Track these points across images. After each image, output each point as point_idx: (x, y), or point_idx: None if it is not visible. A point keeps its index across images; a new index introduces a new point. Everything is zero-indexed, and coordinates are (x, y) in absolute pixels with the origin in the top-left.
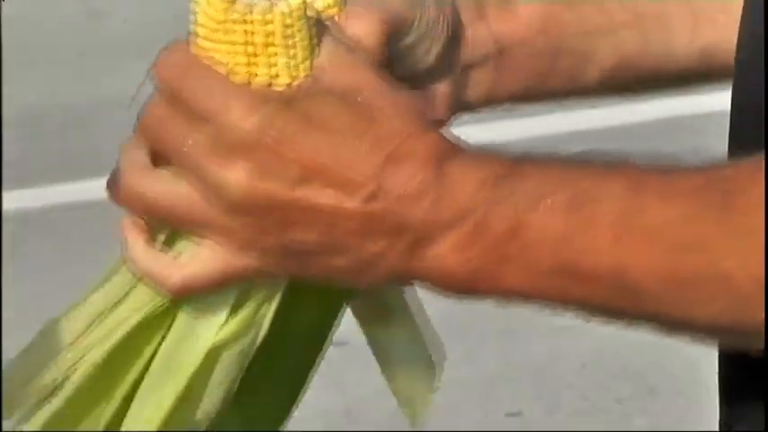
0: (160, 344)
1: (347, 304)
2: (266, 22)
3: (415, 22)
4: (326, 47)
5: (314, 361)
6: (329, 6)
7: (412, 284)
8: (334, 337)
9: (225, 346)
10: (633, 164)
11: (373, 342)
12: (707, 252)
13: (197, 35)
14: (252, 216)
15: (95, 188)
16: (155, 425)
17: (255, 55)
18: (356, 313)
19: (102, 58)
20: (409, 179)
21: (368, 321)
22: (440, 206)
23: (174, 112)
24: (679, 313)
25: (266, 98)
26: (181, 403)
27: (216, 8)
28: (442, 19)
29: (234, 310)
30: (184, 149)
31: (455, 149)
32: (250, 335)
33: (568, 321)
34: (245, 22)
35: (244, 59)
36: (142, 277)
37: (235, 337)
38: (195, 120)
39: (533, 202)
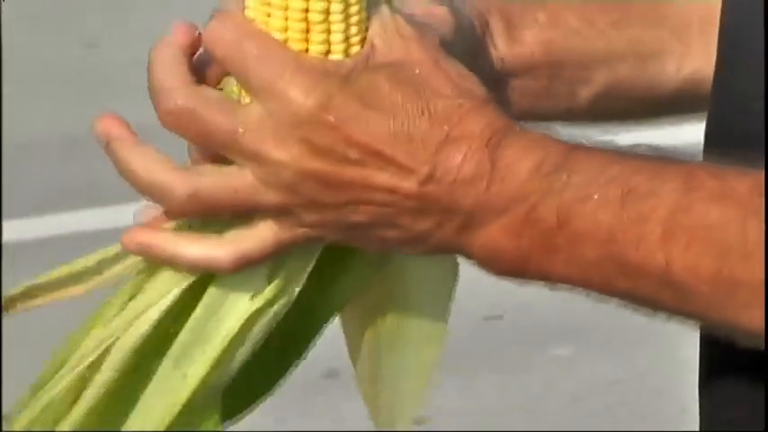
0: (187, 319)
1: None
2: None
3: (455, 27)
4: (384, 19)
5: (318, 328)
6: None
7: (466, 256)
8: (327, 368)
9: (261, 312)
10: (687, 162)
11: (365, 342)
12: (753, 258)
13: (253, 5)
14: (309, 195)
15: (95, 218)
16: (184, 395)
17: (311, 27)
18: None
19: (100, 88)
20: (464, 162)
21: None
22: (492, 191)
23: (215, 97)
24: (721, 315)
25: (326, 72)
26: (212, 370)
27: None
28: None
29: (270, 277)
30: (239, 131)
31: (511, 129)
32: (283, 300)
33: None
34: None
35: (300, 30)
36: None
37: (270, 304)
38: (250, 94)
39: (585, 194)
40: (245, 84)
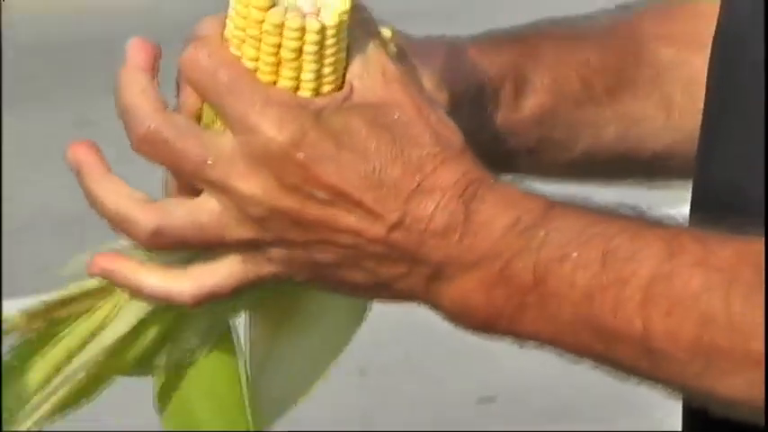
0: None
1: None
2: (298, 34)
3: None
4: (368, 57)
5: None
6: (343, 13)
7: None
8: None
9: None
10: (669, 225)
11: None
12: (734, 329)
13: (229, 30)
14: (277, 231)
15: None
16: None
17: (282, 62)
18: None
19: None
20: (436, 213)
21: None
22: (465, 245)
23: (191, 122)
24: (699, 382)
25: (300, 108)
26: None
27: (254, 6)
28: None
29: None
30: (209, 162)
31: (486, 182)
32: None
33: None
34: (278, 26)
35: (271, 63)
36: (141, 297)
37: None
38: (224, 123)
39: (563, 253)
40: (220, 113)
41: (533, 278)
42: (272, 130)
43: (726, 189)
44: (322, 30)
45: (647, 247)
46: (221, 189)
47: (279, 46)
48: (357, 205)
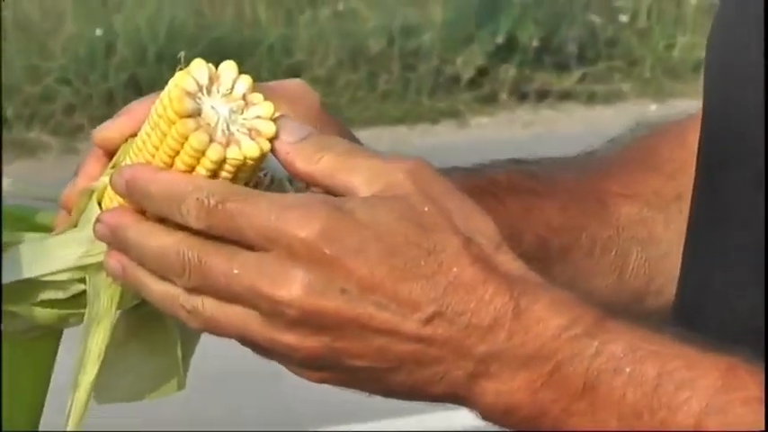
0: None
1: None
2: (198, 155)
3: None
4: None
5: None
6: (250, 158)
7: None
8: None
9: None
10: (727, 354)
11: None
12: None
13: (155, 107)
14: (310, 333)
15: None
16: None
17: (177, 168)
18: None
19: None
20: (481, 307)
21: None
22: (514, 343)
23: (212, 243)
24: None
25: (321, 203)
26: None
27: (176, 100)
28: None
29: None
30: (234, 272)
31: (534, 283)
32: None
33: None
34: (188, 129)
35: (168, 155)
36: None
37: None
38: (241, 243)
39: (617, 366)
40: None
41: (584, 386)
42: (295, 229)
43: (712, 301)
44: (236, 159)
45: (702, 376)
46: (248, 297)
47: (179, 151)
48: (391, 298)
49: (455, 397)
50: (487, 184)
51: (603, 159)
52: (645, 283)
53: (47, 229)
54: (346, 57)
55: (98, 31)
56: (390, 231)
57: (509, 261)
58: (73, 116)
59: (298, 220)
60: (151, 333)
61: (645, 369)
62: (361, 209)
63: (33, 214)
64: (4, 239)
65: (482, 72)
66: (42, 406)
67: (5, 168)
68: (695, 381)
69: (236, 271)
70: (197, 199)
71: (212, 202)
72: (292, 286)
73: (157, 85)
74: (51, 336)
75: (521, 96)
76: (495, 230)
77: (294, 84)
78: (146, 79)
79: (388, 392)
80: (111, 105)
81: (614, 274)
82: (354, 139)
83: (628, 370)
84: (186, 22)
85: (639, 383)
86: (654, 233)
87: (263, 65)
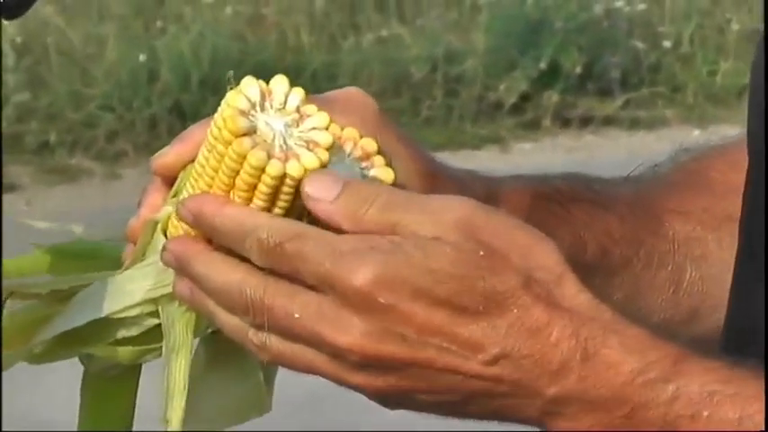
0: None
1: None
2: (261, 172)
3: None
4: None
5: None
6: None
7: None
8: None
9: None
10: None
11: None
12: None
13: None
14: (376, 375)
15: None
16: None
17: (238, 187)
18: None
19: None
20: (547, 350)
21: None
22: (587, 384)
23: (273, 283)
24: None
25: (371, 249)
26: None
27: (230, 120)
28: None
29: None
30: (296, 316)
31: (601, 321)
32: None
33: None
34: (245, 148)
35: (228, 176)
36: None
37: None
38: (302, 282)
39: (695, 410)
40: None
41: (661, 430)
42: (349, 277)
43: (760, 326)
44: (291, 175)
45: None
46: (311, 342)
47: (237, 173)
48: (452, 341)
49: (530, 425)
50: (551, 191)
51: (655, 178)
52: (699, 301)
53: (116, 264)
54: (389, 83)
55: (141, 57)
56: (446, 276)
57: (573, 294)
58: (116, 142)
59: (351, 268)
60: (231, 358)
61: (725, 412)
62: (416, 250)
63: (101, 249)
64: (76, 281)
65: (525, 98)
66: None
67: (55, 199)
68: None
69: (297, 315)
70: (258, 238)
71: (272, 242)
72: (351, 334)
73: (201, 110)
74: (132, 370)
75: (563, 122)
76: (556, 259)
77: (350, 92)
78: (189, 105)
79: (466, 418)
80: (154, 131)
81: (670, 290)
82: (412, 144)
83: (705, 414)
84: (229, 48)
85: (720, 425)
86: (707, 252)
87: (307, 91)
